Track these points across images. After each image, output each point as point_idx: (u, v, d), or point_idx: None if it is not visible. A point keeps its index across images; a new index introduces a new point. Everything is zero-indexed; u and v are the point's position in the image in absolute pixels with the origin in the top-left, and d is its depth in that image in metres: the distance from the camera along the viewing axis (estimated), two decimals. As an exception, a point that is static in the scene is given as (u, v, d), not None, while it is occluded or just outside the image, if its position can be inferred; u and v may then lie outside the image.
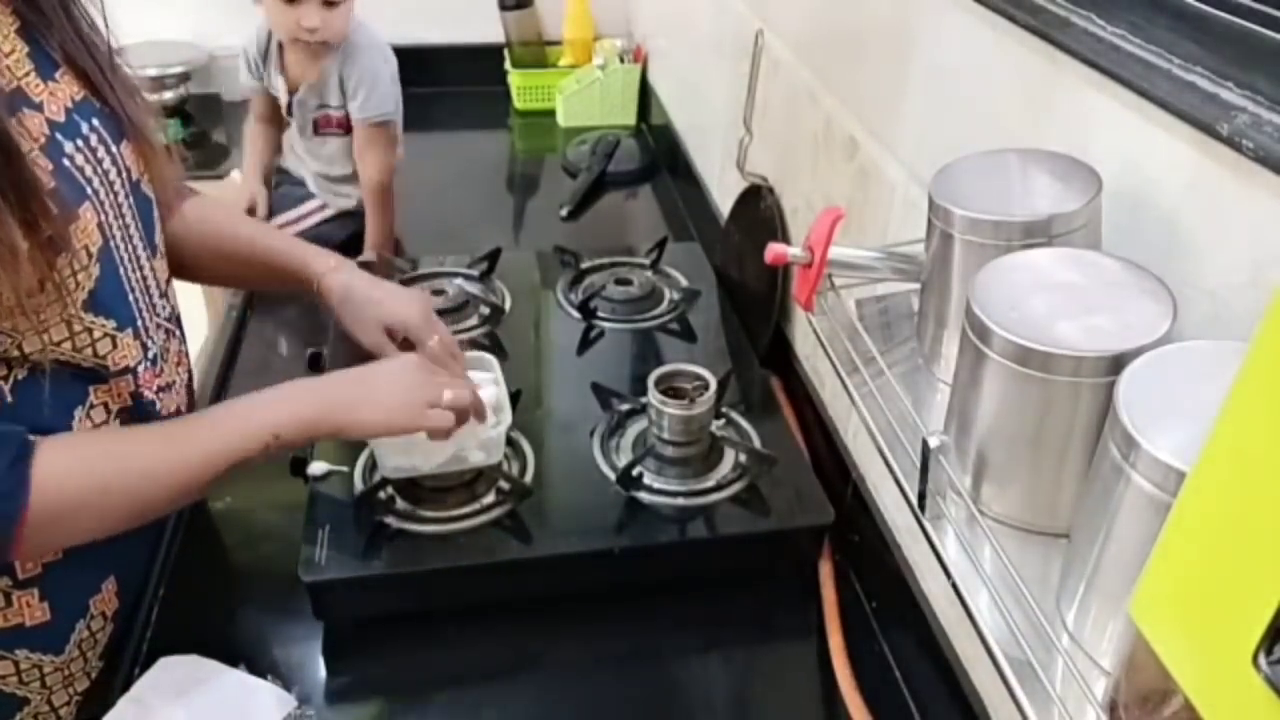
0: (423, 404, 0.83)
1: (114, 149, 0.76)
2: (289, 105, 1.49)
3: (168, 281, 0.87)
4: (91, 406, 0.76)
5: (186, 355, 0.91)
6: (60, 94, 0.72)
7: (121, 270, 0.76)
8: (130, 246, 0.78)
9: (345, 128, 1.48)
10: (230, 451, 0.76)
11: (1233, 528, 0.31)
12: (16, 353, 0.68)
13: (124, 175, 0.77)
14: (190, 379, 0.92)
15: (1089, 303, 0.49)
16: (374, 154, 1.46)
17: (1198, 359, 0.43)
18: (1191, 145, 0.51)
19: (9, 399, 0.69)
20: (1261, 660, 0.29)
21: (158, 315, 0.83)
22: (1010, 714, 0.59)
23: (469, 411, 0.86)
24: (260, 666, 0.82)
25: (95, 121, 0.75)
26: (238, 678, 0.79)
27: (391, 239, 1.51)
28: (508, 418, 0.92)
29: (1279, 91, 0.45)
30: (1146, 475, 0.41)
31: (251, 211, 1.49)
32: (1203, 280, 0.51)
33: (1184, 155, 0.52)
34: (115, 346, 0.76)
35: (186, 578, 0.92)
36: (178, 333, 0.88)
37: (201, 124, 2.05)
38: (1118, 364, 0.45)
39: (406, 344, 0.96)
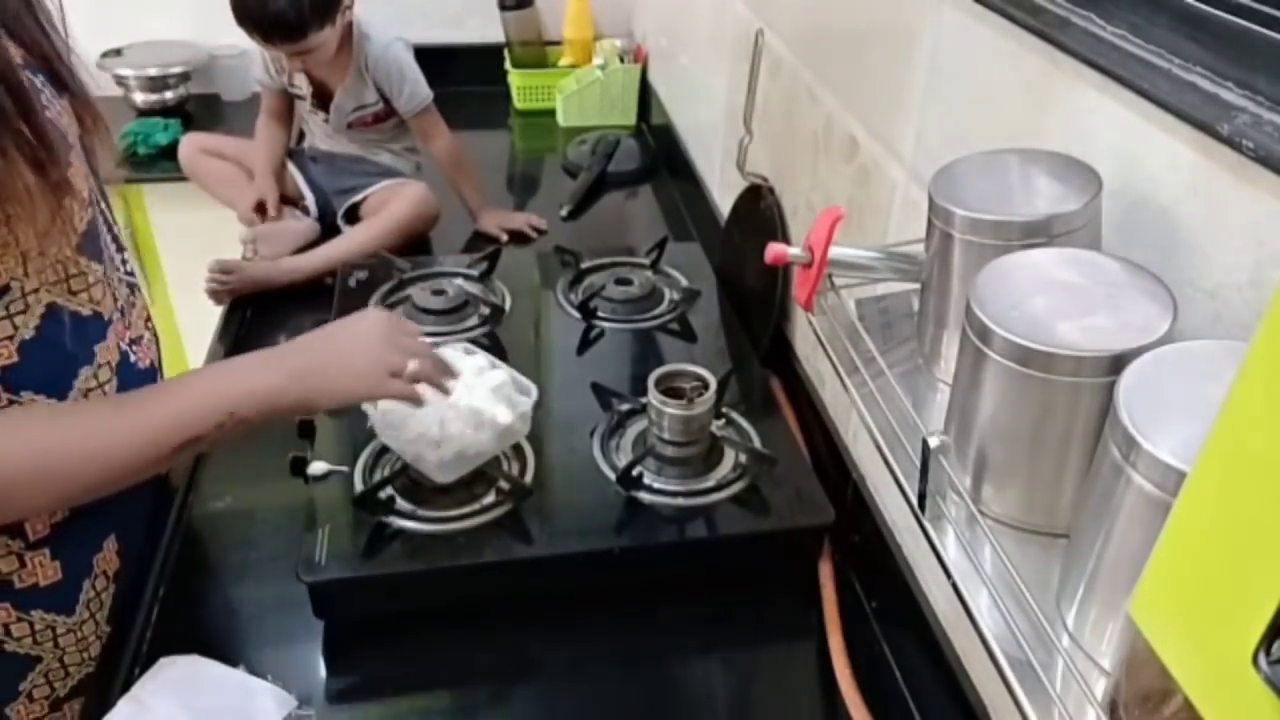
0: (385, 371, 0.81)
1: (60, 104, 0.77)
2: (316, 104, 1.54)
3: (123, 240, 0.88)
4: (99, 366, 0.78)
5: (147, 310, 0.91)
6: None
7: (99, 219, 0.79)
8: (97, 198, 0.80)
9: (380, 120, 1.56)
10: (183, 429, 0.74)
11: (1233, 528, 0.31)
12: (19, 296, 0.70)
13: (75, 130, 0.78)
14: (156, 338, 0.92)
15: (1089, 303, 0.49)
16: (435, 131, 1.55)
17: (1198, 359, 0.43)
18: (1191, 145, 0.51)
19: (16, 359, 0.71)
20: (1261, 660, 0.29)
21: (119, 269, 0.84)
22: (1010, 714, 0.59)
23: (436, 380, 0.85)
24: (260, 666, 0.82)
25: (41, 79, 0.75)
26: (238, 678, 0.79)
27: (485, 196, 1.60)
28: (533, 393, 0.94)
29: (1279, 91, 0.45)
30: (1147, 475, 0.41)
31: (261, 209, 1.50)
32: (1203, 280, 0.51)
33: (1184, 155, 0.52)
34: (105, 294, 0.78)
35: (186, 578, 0.92)
36: (138, 291, 0.89)
37: (201, 124, 2.05)
38: (1118, 364, 0.45)
39: None
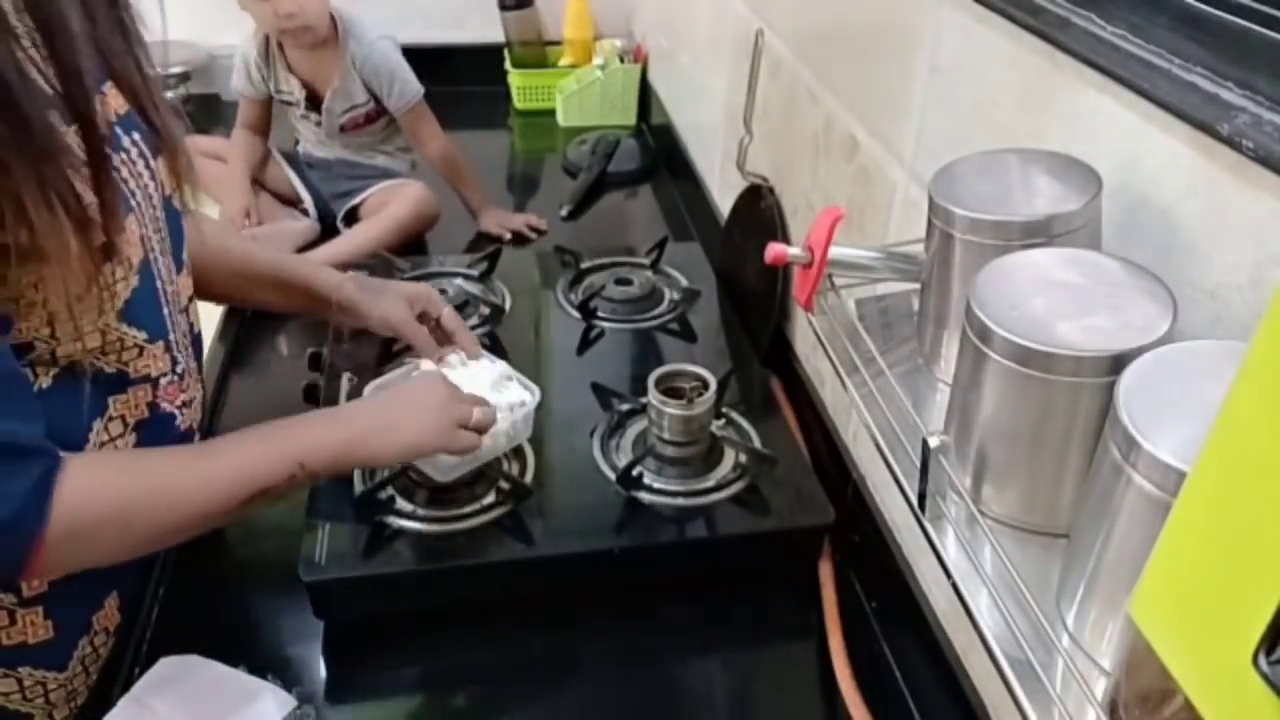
0: (452, 425, 0.84)
1: (151, 164, 0.77)
2: (309, 107, 1.53)
3: (190, 299, 0.87)
4: (110, 419, 0.76)
5: (201, 372, 0.91)
6: (106, 107, 0.72)
7: (158, 283, 0.77)
8: (165, 261, 0.79)
9: (371, 120, 1.56)
10: (255, 479, 0.74)
11: (1233, 528, 0.31)
12: (49, 356, 0.69)
13: (160, 191, 0.78)
14: (205, 396, 0.92)
15: (1089, 303, 0.49)
16: (428, 131, 1.54)
17: (1198, 359, 0.43)
18: (1191, 145, 0.51)
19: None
20: (1261, 660, 0.29)
21: (182, 331, 0.83)
22: (1010, 714, 0.59)
23: (491, 422, 0.88)
24: (260, 666, 0.82)
25: (136, 136, 0.75)
26: (238, 678, 0.79)
27: (486, 195, 1.59)
28: (536, 392, 0.94)
29: (1279, 91, 0.45)
30: (1147, 475, 0.41)
31: (247, 218, 1.50)
32: (1203, 280, 0.51)
33: (1184, 155, 0.52)
34: (141, 356, 0.76)
35: (186, 578, 0.92)
36: (194, 349, 0.89)
37: (201, 124, 2.05)
38: (1118, 364, 0.45)
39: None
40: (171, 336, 0.79)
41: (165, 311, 0.78)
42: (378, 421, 0.82)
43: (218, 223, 1.00)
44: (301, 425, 0.80)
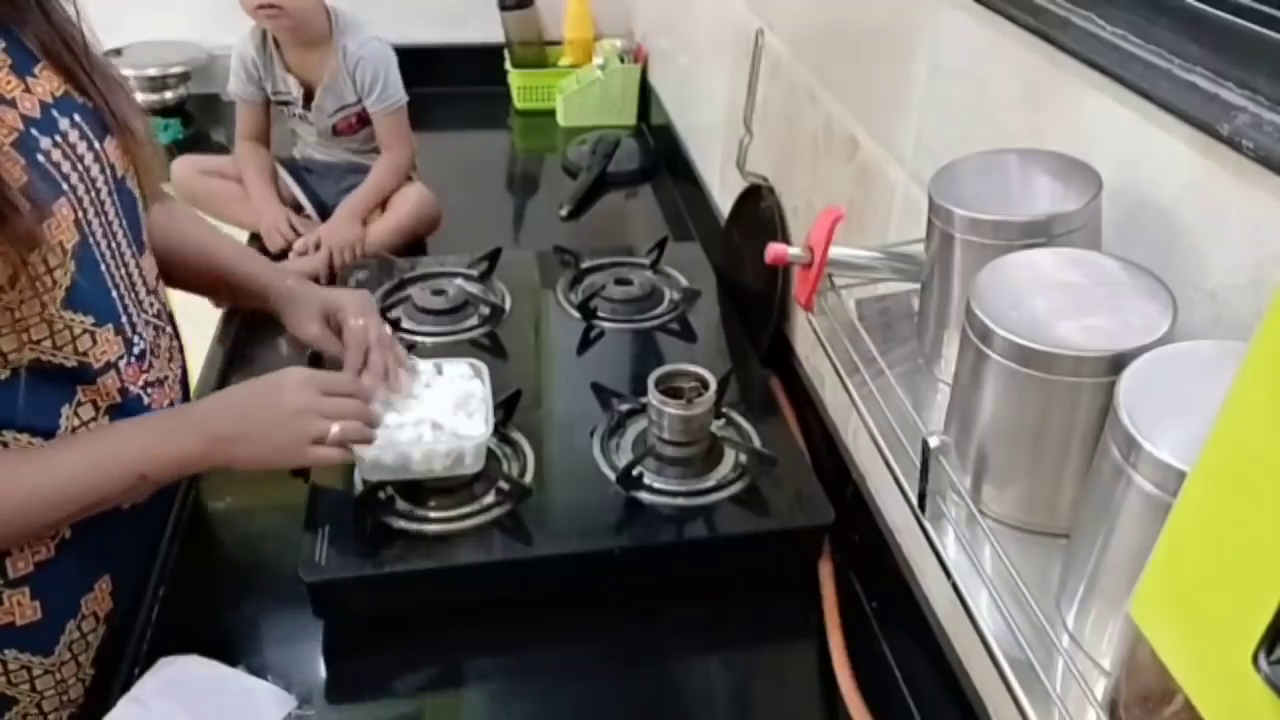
0: (306, 440, 0.79)
1: (97, 145, 0.76)
2: (306, 106, 1.52)
3: (157, 278, 0.86)
4: (79, 404, 0.76)
5: (180, 351, 0.90)
6: (39, 89, 0.72)
7: (103, 266, 0.76)
8: (114, 244, 0.78)
9: (364, 122, 1.54)
10: (85, 491, 0.73)
11: (1233, 528, 0.31)
12: None
13: (108, 172, 0.77)
14: (184, 375, 0.91)
15: (1089, 303, 0.49)
16: (399, 143, 1.52)
17: (1198, 359, 0.43)
18: (1191, 145, 0.51)
19: None
20: (1261, 660, 0.29)
21: (145, 311, 0.83)
22: (1010, 714, 0.59)
23: (362, 438, 0.83)
24: (260, 666, 0.82)
25: (76, 117, 0.74)
26: (238, 678, 0.79)
27: (361, 211, 1.49)
28: (488, 428, 0.90)
29: (1279, 91, 0.45)
30: (1147, 475, 0.41)
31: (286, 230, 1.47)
32: (1203, 280, 0.51)
33: (1184, 155, 0.52)
34: (95, 343, 0.75)
35: (186, 578, 0.92)
36: (169, 329, 0.88)
37: (201, 124, 2.05)
38: (1118, 364, 0.45)
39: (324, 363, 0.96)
40: (124, 318, 0.78)
41: (115, 294, 0.77)
42: (225, 429, 0.78)
43: (173, 202, 0.97)
44: (145, 433, 0.77)
